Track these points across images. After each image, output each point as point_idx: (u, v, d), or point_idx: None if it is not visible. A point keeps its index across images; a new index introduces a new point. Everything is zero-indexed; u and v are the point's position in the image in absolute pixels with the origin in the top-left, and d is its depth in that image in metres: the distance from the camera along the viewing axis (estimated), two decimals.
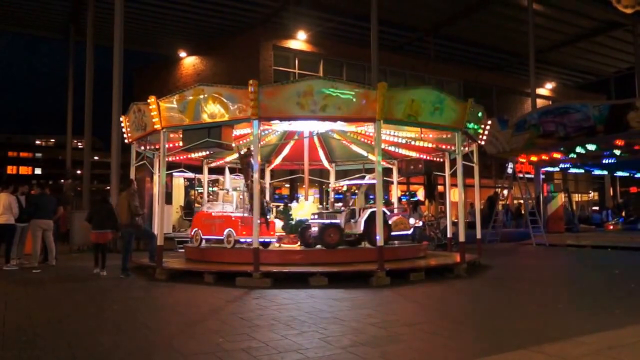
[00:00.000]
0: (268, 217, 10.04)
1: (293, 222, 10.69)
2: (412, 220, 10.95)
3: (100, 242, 9.80)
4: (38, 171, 77.80)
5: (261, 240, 9.81)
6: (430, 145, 11.83)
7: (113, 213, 9.92)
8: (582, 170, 24.70)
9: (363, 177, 11.42)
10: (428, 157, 12.72)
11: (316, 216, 10.08)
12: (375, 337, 4.75)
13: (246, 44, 22.25)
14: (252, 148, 9.66)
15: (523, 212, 18.69)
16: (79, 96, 22.31)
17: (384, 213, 9.86)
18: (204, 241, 10.39)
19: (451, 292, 7.97)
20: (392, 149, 12.68)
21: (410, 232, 10.87)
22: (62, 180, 31.30)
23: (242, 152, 10.07)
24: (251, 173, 9.66)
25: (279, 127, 11.21)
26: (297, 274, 8.39)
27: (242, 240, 9.81)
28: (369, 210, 9.81)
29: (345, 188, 10.89)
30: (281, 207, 11.19)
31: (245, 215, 9.77)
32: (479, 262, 10.65)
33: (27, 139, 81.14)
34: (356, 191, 10.54)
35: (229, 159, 12.62)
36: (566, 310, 6.20)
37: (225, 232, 9.87)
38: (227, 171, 11.86)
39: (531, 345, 4.29)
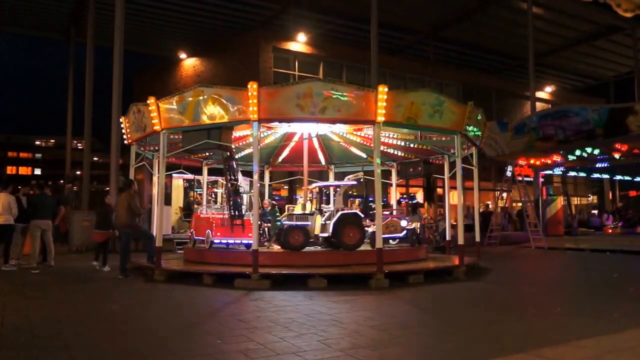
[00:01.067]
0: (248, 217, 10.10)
1: (279, 224, 10.66)
2: (404, 223, 10.85)
3: (99, 241, 10.36)
4: (38, 171, 77.71)
5: (238, 242, 9.85)
6: (429, 147, 11.84)
7: (107, 213, 10.45)
8: (582, 174, 24.71)
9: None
10: (428, 160, 12.72)
11: (287, 218, 10.11)
12: (374, 339, 4.74)
13: (246, 45, 22.26)
14: (234, 151, 9.71)
15: (527, 214, 18.64)
16: (79, 97, 22.31)
17: (359, 216, 9.83)
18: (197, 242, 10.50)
19: (450, 295, 7.96)
20: (391, 151, 12.69)
21: (402, 234, 10.81)
22: (62, 181, 31.31)
23: (224, 155, 10.04)
24: (229, 176, 9.74)
25: (279, 128, 11.23)
26: (295, 276, 8.39)
27: (216, 241, 9.84)
28: (340, 213, 9.72)
29: (317, 189, 10.84)
30: (268, 209, 11.13)
31: (220, 217, 9.88)
32: (478, 265, 10.63)
33: (27, 139, 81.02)
34: (354, 192, 10.53)
35: None
36: (565, 314, 6.20)
37: (206, 233, 10.02)
38: (239, 174, 11.87)
39: (531, 349, 4.29)
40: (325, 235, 9.83)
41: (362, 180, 11.44)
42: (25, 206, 10.76)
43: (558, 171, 22.79)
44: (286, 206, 12.68)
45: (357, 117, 8.77)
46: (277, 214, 11.21)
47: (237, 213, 9.73)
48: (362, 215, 10.10)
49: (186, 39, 24.65)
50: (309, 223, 9.85)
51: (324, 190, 11.32)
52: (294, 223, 9.80)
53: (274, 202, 12.10)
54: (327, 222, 9.77)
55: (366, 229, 10.64)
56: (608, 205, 30.90)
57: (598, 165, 19.91)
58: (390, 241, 10.93)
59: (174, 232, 14.68)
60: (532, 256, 15.08)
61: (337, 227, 9.58)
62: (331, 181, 12.21)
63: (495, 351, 4.34)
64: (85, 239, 14.47)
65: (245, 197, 10.74)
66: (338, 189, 10.55)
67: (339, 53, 23.62)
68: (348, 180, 11.14)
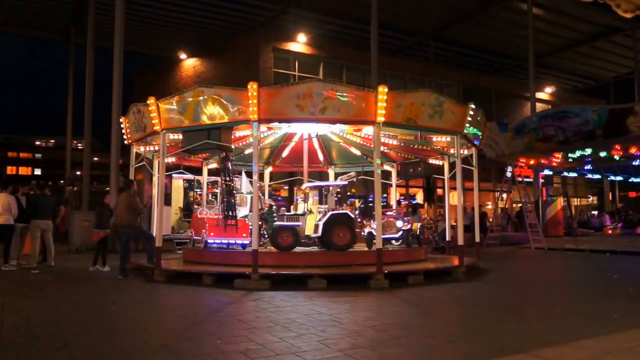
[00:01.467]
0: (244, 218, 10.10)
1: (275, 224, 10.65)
2: (399, 223, 10.82)
3: (95, 240, 10.49)
4: (38, 172, 77.72)
5: (232, 242, 9.85)
6: (429, 148, 11.84)
7: (101, 213, 10.53)
8: (587, 173, 24.68)
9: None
10: (428, 160, 12.73)
11: (278, 218, 10.11)
12: (374, 340, 4.75)
13: (246, 46, 22.27)
14: (230, 153, 9.73)
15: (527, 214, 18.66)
16: (79, 97, 22.33)
17: (349, 216, 9.83)
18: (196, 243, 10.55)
19: (450, 295, 7.96)
20: (390, 151, 12.71)
21: (397, 235, 10.78)
22: (62, 182, 31.33)
23: (220, 156, 10.06)
24: (224, 177, 9.75)
25: (279, 129, 11.23)
26: (295, 276, 8.39)
27: (209, 241, 9.85)
28: (330, 213, 9.69)
29: (317, 189, 10.84)
30: (265, 210, 11.13)
31: (216, 217, 9.91)
32: (478, 266, 10.64)
33: (27, 139, 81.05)
34: (356, 193, 10.50)
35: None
36: (565, 315, 6.20)
37: (201, 233, 10.09)
38: (243, 174, 11.91)
39: (530, 350, 4.29)
40: (317, 235, 9.82)
41: (355, 180, 11.41)
42: (25, 206, 10.77)
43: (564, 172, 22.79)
44: (291, 207, 12.68)
45: (357, 118, 8.77)
46: (274, 214, 11.23)
47: (230, 213, 9.77)
48: (353, 216, 10.08)
49: (186, 39, 24.66)
50: (300, 224, 9.85)
51: (324, 191, 11.32)
52: (283, 223, 9.81)
53: (271, 202, 12.08)
54: (319, 222, 9.79)
55: (365, 229, 10.64)
56: (608, 206, 30.93)
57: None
58: (393, 242, 10.91)
59: (173, 232, 14.69)
60: (531, 257, 15.08)
61: (327, 227, 9.55)
62: (322, 181, 12.20)
63: (495, 352, 4.34)
64: (85, 239, 14.47)
65: (248, 197, 10.75)
66: (330, 190, 10.53)
67: (339, 53, 23.63)
68: (340, 181, 11.14)
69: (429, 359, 4.32)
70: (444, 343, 4.77)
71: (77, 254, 14.21)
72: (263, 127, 10.34)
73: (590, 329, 5.12)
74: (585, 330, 5.11)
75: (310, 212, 10.13)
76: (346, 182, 11.00)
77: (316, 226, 9.74)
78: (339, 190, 10.55)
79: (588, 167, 20.89)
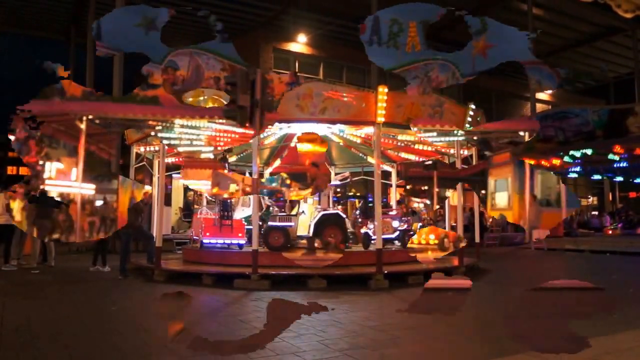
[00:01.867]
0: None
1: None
2: (395, 224, 10.80)
3: (94, 240, 10.32)
4: None
5: (227, 242, 9.87)
6: (430, 148, 11.83)
7: None
8: (582, 173, 24.64)
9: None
10: (427, 160, 12.73)
11: (275, 218, 10.15)
12: (373, 340, 4.75)
13: (246, 46, 22.21)
14: (226, 154, 9.76)
15: None
16: None
17: (341, 217, 9.80)
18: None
19: (449, 295, 7.95)
20: (391, 151, 12.70)
21: (394, 235, 10.77)
22: None
23: (218, 157, 10.12)
24: None
25: (279, 129, 11.22)
26: (295, 276, 8.39)
27: (205, 241, 9.89)
28: (321, 213, 9.70)
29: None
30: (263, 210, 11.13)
31: (213, 217, 9.98)
32: (478, 266, 10.63)
33: None
34: (356, 193, 10.51)
35: (231, 160, 12.62)
36: (564, 315, 6.19)
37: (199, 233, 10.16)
38: (248, 176, 11.86)
39: (530, 350, 4.29)
40: (306, 235, 9.82)
41: (349, 181, 11.41)
42: None
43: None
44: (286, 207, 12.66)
45: (357, 118, 8.78)
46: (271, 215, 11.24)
47: (226, 214, 9.80)
48: (344, 216, 10.06)
49: (186, 39, 24.61)
50: (292, 224, 9.85)
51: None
52: (275, 224, 9.81)
53: (269, 202, 12.08)
54: (310, 222, 9.78)
55: (361, 229, 10.64)
56: (608, 206, 30.93)
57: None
58: (396, 242, 10.89)
59: (173, 232, 14.67)
60: (531, 257, 15.07)
61: (318, 227, 9.54)
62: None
63: (495, 352, 4.34)
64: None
65: (250, 199, 10.74)
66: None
67: (339, 54, 23.60)
68: (334, 181, 11.13)
69: (428, 358, 4.32)
70: (444, 343, 4.77)
71: (77, 254, 14.19)
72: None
73: (590, 330, 5.12)
74: (585, 330, 5.10)
75: (303, 212, 10.13)
76: (338, 182, 10.99)
77: (309, 226, 9.75)
78: (338, 190, 10.57)
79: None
